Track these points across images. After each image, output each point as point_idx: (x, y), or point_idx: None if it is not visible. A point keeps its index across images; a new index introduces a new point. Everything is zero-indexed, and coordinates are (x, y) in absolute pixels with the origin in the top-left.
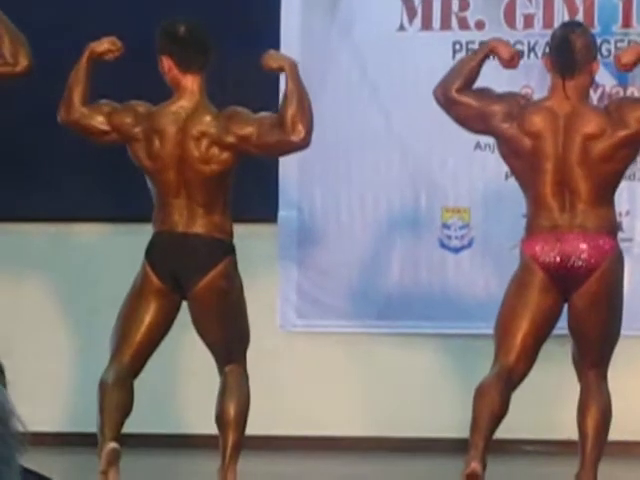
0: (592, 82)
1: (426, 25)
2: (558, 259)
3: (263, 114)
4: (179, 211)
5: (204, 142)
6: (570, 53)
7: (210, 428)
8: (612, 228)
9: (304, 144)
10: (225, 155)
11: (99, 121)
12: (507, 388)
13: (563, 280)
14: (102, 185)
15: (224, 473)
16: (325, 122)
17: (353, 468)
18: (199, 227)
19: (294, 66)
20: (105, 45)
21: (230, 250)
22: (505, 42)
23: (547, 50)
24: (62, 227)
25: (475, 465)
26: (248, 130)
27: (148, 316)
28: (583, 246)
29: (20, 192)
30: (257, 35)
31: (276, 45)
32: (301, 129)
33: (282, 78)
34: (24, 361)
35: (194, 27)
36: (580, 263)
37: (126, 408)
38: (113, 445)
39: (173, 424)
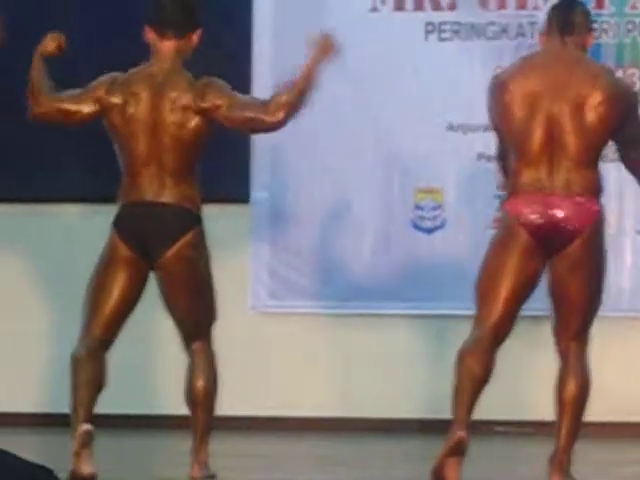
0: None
1: (399, 6)
2: (542, 220)
3: (244, 95)
4: (149, 180)
5: (179, 106)
6: (571, 13)
7: (184, 409)
8: (597, 191)
9: (275, 127)
10: (198, 121)
11: (72, 102)
12: (489, 351)
13: (546, 242)
14: (82, 165)
15: (196, 453)
16: None
17: (326, 449)
18: (168, 197)
19: (319, 63)
20: (51, 44)
21: (198, 221)
22: None
23: (544, 27)
24: (39, 208)
25: (461, 433)
26: (222, 100)
27: (117, 287)
28: (569, 208)
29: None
30: (229, 12)
31: (249, 25)
32: (281, 115)
33: (254, 57)
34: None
35: None
36: (565, 225)
37: (99, 382)
38: (86, 427)
39: (146, 405)
